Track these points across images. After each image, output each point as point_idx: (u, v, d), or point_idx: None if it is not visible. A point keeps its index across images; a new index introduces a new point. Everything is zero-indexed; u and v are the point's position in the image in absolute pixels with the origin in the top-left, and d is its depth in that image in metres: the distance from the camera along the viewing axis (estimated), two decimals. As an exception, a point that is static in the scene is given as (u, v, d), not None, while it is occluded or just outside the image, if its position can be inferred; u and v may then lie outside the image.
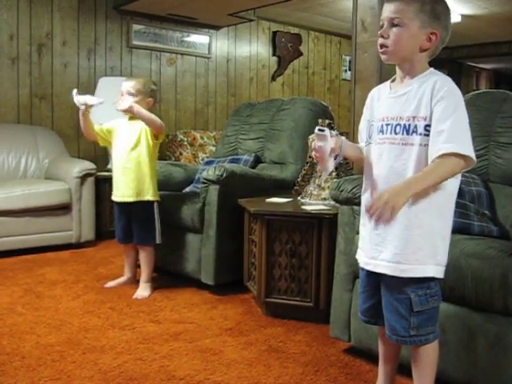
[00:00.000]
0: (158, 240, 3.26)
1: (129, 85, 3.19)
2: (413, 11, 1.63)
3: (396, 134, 1.68)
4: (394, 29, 1.65)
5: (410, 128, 1.65)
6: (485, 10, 6.71)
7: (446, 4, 1.69)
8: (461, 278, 1.91)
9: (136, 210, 3.23)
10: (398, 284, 1.70)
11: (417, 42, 1.66)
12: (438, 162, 1.59)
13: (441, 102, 1.60)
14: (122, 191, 3.21)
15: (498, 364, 1.87)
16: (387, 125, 1.71)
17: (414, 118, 1.65)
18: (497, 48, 8.98)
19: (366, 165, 1.81)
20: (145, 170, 3.19)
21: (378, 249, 1.74)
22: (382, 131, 1.73)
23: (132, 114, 3.15)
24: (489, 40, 8.65)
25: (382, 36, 1.68)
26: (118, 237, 3.34)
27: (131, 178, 3.18)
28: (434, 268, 1.68)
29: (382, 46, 1.70)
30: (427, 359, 1.77)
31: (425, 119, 1.63)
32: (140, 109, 3.09)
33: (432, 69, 1.71)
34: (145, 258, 3.30)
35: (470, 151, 1.59)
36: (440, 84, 1.62)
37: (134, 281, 3.38)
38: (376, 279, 1.79)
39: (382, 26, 1.70)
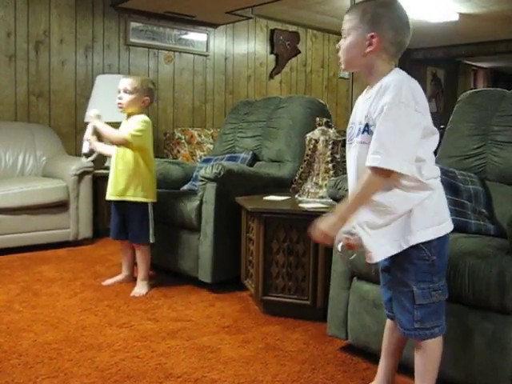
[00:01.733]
0: (151, 239, 3.25)
1: (126, 82, 3.19)
2: (355, 22, 1.73)
3: (357, 135, 1.74)
4: (342, 40, 1.77)
5: (362, 126, 1.71)
6: (483, 9, 6.72)
7: (391, 4, 1.73)
8: (458, 276, 1.91)
9: (130, 210, 3.24)
10: (401, 276, 1.74)
11: (360, 48, 1.72)
12: (364, 180, 1.65)
13: (384, 109, 1.62)
14: (111, 190, 3.26)
15: (494, 362, 1.87)
16: (357, 127, 1.77)
17: (365, 117, 1.70)
18: (494, 46, 8.97)
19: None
20: (135, 171, 3.18)
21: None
22: (353, 133, 1.79)
23: (128, 113, 3.21)
24: (487, 38, 8.64)
25: (338, 49, 1.80)
26: (112, 233, 3.36)
27: (121, 177, 3.20)
28: (419, 234, 1.69)
29: (338, 57, 1.80)
30: (431, 354, 1.78)
31: (370, 119, 1.67)
32: (100, 124, 3.20)
33: (396, 69, 1.73)
34: (140, 256, 3.30)
35: (393, 164, 1.60)
36: (391, 88, 1.63)
37: (132, 278, 3.38)
38: (387, 272, 1.86)
39: None
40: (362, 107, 1.74)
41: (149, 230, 3.24)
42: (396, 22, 1.72)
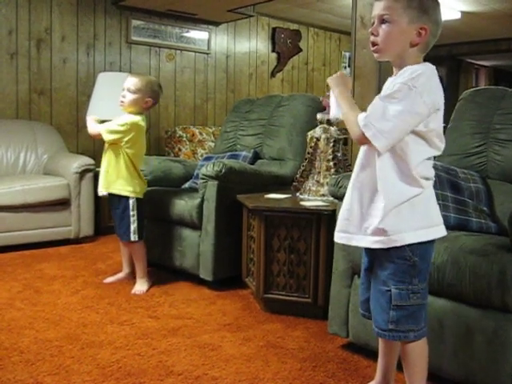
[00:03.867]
0: (132, 237, 3.20)
1: (131, 82, 3.20)
2: (401, 7, 1.63)
3: None
4: (384, 26, 1.65)
5: None
6: (485, 7, 6.71)
7: None
8: (459, 274, 1.91)
9: (112, 205, 3.26)
10: (382, 274, 1.72)
11: (407, 38, 1.65)
12: (357, 116, 1.64)
13: (395, 87, 1.60)
14: (100, 184, 3.27)
15: (495, 360, 1.87)
16: None
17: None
18: (496, 45, 8.96)
19: None
20: (119, 166, 3.18)
21: (347, 223, 1.76)
22: None
23: (128, 112, 3.22)
24: (488, 37, 8.63)
25: (373, 34, 1.69)
26: (115, 229, 3.37)
27: (106, 171, 3.21)
28: (404, 235, 1.66)
29: (372, 43, 1.70)
30: (414, 358, 1.76)
31: None
32: (90, 118, 3.31)
33: (426, 63, 1.70)
34: (133, 254, 3.30)
35: (380, 143, 1.58)
36: (408, 73, 1.60)
37: (133, 276, 3.38)
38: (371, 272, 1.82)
39: (372, 24, 1.70)
40: None
41: (129, 227, 3.20)
42: (438, 15, 1.68)
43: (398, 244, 1.66)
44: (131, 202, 3.20)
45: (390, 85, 1.67)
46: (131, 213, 3.20)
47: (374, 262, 1.78)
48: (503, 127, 2.47)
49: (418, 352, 1.76)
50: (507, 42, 8.79)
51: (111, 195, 3.23)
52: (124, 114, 3.24)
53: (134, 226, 3.20)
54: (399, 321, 1.70)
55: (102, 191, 3.26)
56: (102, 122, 3.28)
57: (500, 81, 11.79)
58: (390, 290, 1.70)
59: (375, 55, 1.72)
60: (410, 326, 1.71)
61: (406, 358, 1.77)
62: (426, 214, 1.69)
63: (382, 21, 1.66)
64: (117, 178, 3.19)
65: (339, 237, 1.82)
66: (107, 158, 3.22)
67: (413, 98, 1.57)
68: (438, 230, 1.72)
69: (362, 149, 1.74)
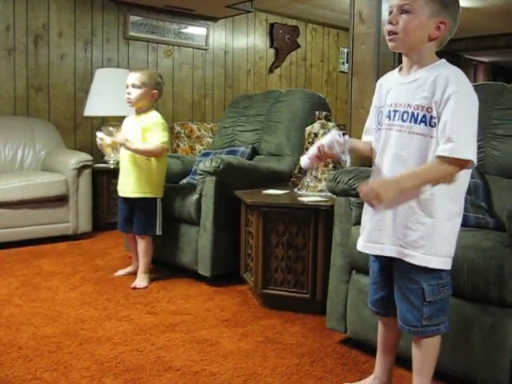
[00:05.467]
0: (158, 232, 3.30)
1: (134, 77, 3.21)
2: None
3: (403, 121, 1.68)
4: (404, 15, 1.63)
5: (419, 117, 1.65)
6: (483, 3, 6.70)
7: None
8: (457, 270, 1.90)
9: (138, 205, 3.28)
10: (411, 273, 1.70)
11: (426, 31, 1.64)
12: (435, 164, 1.61)
13: (451, 99, 1.58)
14: (123, 187, 3.31)
15: (493, 355, 1.88)
16: (395, 111, 1.71)
17: (422, 107, 1.64)
18: (495, 41, 8.95)
19: (374, 151, 1.82)
20: (144, 169, 3.23)
21: (380, 234, 1.75)
22: (389, 117, 1.73)
23: (138, 107, 3.27)
24: (487, 33, 8.62)
25: (391, 23, 1.66)
26: (120, 226, 3.41)
27: (130, 174, 3.25)
28: (438, 259, 1.68)
29: (390, 32, 1.67)
30: (430, 349, 1.77)
31: (433, 111, 1.62)
32: (135, 145, 3.16)
33: (444, 60, 1.69)
34: (143, 248, 3.32)
35: (469, 154, 1.59)
36: (453, 80, 1.60)
37: None
38: (389, 270, 1.80)
39: (390, 13, 1.67)
40: (406, 92, 1.69)
41: (156, 223, 3.28)
42: (458, 13, 1.68)
43: (432, 266, 1.69)
44: (158, 200, 3.30)
45: (428, 100, 1.63)
46: (158, 210, 3.29)
47: (392, 260, 1.76)
48: (501, 122, 2.47)
49: (436, 343, 1.77)
50: (505, 38, 8.79)
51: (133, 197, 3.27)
52: (126, 110, 3.25)
53: (159, 222, 3.30)
54: (432, 315, 1.72)
55: (126, 195, 3.28)
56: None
57: (498, 76, 11.79)
58: (421, 288, 1.70)
59: (391, 45, 1.69)
60: (441, 318, 1.73)
61: (423, 350, 1.77)
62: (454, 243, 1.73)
63: (403, 11, 1.63)
64: (144, 182, 3.23)
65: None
66: (133, 161, 3.22)
67: (469, 103, 1.61)
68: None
69: (400, 149, 1.70)
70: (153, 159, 3.22)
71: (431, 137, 1.63)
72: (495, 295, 1.85)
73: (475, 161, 1.60)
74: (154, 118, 3.23)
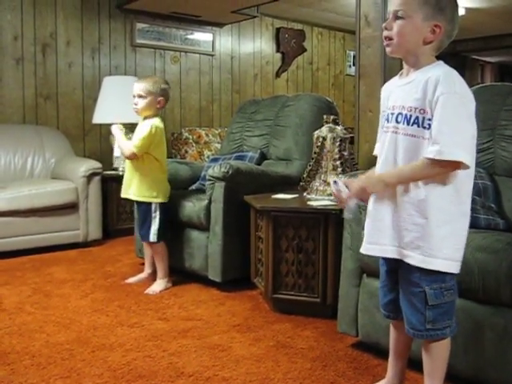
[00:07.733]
0: (151, 238, 3.28)
1: (139, 87, 3.24)
2: (417, 3, 1.63)
3: (397, 122, 1.69)
4: (398, 21, 1.65)
5: (411, 119, 1.65)
6: (489, 3, 6.69)
7: None
8: (467, 272, 1.90)
9: (138, 208, 3.38)
10: (412, 275, 1.70)
11: (420, 35, 1.65)
12: (420, 164, 1.62)
13: (439, 100, 1.58)
14: (124, 187, 3.37)
15: (505, 357, 1.87)
16: (392, 114, 1.72)
17: (415, 109, 1.64)
18: (501, 41, 8.94)
19: (378, 155, 1.83)
20: (143, 172, 3.26)
21: (380, 234, 1.76)
22: (387, 119, 1.74)
23: (144, 116, 3.30)
24: (493, 33, 8.61)
25: (386, 28, 1.69)
26: (136, 231, 3.47)
27: (131, 177, 3.31)
28: (438, 261, 1.66)
29: (386, 38, 1.70)
30: (440, 353, 1.76)
31: (428, 113, 1.62)
32: (118, 135, 3.32)
33: (440, 62, 1.69)
34: (154, 255, 3.37)
35: (458, 155, 1.57)
36: (442, 80, 1.60)
37: (154, 277, 3.40)
38: (395, 273, 1.80)
39: (387, 20, 1.70)
40: (402, 94, 1.70)
41: (150, 228, 3.28)
42: (456, 14, 1.68)
43: (432, 268, 1.68)
44: (153, 205, 3.28)
45: (420, 102, 1.64)
46: (153, 215, 3.28)
47: (398, 263, 1.76)
48: (509, 123, 2.46)
49: (446, 346, 1.76)
50: (512, 38, 8.77)
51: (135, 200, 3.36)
52: (136, 118, 3.29)
53: (154, 228, 3.28)
54: (436, 319, 1.71)
55: (130, 197, 3.34)
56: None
57: (506, 77, 11.76)
58: (423, 291, 1.69)
59: (387, 50, 1.72)
60: (446, 322, 1.72)
61: (433, 354, 1.76)
62: (461, 248, 1.72)
63: (397, 16, 1.66)
64: (141, 184, 3.27)
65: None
66: (133, 166, 3.28)
67: (461, 102, 1.61)
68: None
69: (401, 152, 1.70)
70: (146, 163, 3.25)
71: (423, 138, 1.63)
72: (506, 296, 1.85)
73: (468, 161, 1.58)
74: (147, 124, 3.22)
